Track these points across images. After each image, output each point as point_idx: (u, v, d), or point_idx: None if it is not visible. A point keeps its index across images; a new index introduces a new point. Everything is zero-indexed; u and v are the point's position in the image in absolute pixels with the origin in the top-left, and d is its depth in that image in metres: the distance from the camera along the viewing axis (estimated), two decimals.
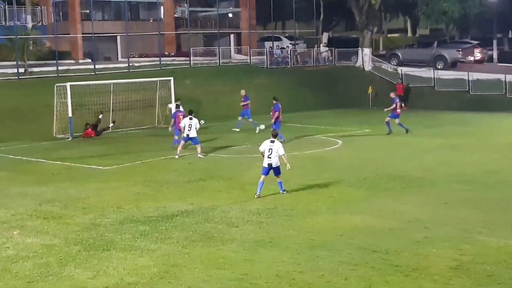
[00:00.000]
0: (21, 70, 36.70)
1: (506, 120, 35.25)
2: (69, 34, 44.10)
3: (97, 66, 39.48)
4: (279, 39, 53.47)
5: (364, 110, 40.84)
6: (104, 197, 17.74)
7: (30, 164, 23.91)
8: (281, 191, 17.64)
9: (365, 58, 47.68)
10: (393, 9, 67.72)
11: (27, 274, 11.62)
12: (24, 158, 25.04)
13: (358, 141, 28.08)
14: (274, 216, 15.40)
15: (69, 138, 30.06)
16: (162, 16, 48.51)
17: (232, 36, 52.40)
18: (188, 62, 43.66)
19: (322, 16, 60.93)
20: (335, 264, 11.88)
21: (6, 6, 42.51)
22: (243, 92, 32.20)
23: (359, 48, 48.33)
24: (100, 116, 31.51)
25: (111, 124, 31.87)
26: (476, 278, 11.13)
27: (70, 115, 30.24)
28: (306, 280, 11.13)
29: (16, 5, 40.84)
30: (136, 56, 45.01)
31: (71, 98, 30.21)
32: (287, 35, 55.95)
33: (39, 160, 24.49)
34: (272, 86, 40.85)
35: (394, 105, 29.53)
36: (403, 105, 40.98)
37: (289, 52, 48.88)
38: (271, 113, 27.76)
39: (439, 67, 45.74)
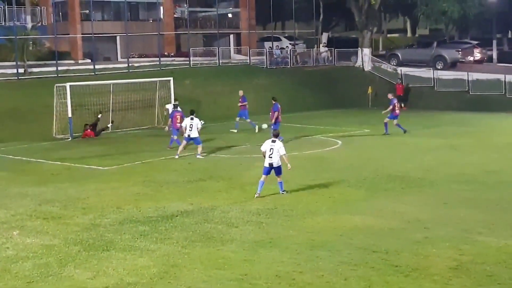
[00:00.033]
0: (21, 70, 36.72)
1: (506, 120, 35.26)
2: (68, 34, 44.12)
3: (96, 67, 39.51)
4: (278, 39, 53.49)
5: (363, 110, 40.84)
6: (103, 198, 17.74)
7: (30, 164, 23.90)
8: (281, 191, 17.64)
9: (364, 58, 47.69)
10: (393, 9, 67.72)
11: (26, 275, 11.61)
12: (24, 158, 25.03)
13: (358, 141, 28.09)
14: (274, 217, 15.39)
15: (69, 138, 30.07)
16: (161, 16, 48.54)
17: (231, 36, 52.43)
18: (188, 62, 43.67)
19: (321, 16, 60.92)
20: (335, 264, 11.88)
21: (6, 7, 42.51)
22: (241, 92, 32.23)
23: (359, 48, 48.34)
24: (99, 116, 31.51)
25: (109, 124, 31.89)
26: (476, 278, 11.13)
27: (69, 115, 30.25)
28: (306, 280, 11.12)
29: (16, 5, 40.84)
30: (136, 57, 45.02)
31: (71, 98, 30.21)
32: (286, 35, 55.95)
33: (38, 160, 24.49)
34: (271, 87, 40.86)
35: (391, 107, 29.53)
36: (402, 105, 41.08)
37: (288, 52, 48.90)
38: (270, 113, 27.77)
39: (439, 67, 45.75)
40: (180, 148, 24.06)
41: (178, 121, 25.74)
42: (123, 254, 12.68)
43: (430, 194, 17.70)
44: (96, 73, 38.46)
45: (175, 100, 30.57)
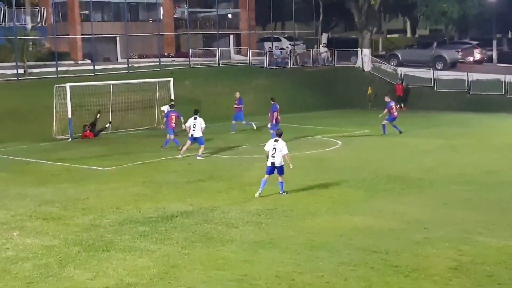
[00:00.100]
0: (21, 71, 36.72)
1: (506, 121, 35.25)
2: (68, 35, 44.13)
3: (96, 67, 39.52)
4: (278, 39, 53.52)
5: (363, 111, 40.82)
6: (103, 198, 17.74)
7: (30, 165, 23.89)
8: (281, 192, 17.64)
9: (364, 58, 47.67)
10: (393, 10, 67.72)
11: (26, 275, 11.61)
12: (23, 159, 25.02)
13: (358, 142, 28.09)
14: (274, 217, 15.39)
15: (69, 139, 30.06)
16: (161, 17, 48.55)
17: (231, 36, 52.46)
18: (188, 62, 43.69)
19: (321, 16, 60.91)
20: (334, 264, 11.88)
21: (6, 7, 42.52)
22: (238, 94, 32.28)
23: (359, 49, 48.32)
24: (98, 116, 31.52)
25: (107, 125, 31.89)
26: (476, 279, 11.13)
27: (69, 116, 30.23)
28: (306, 280, 11.13)
29: (16, 6, 40.83)
30: (136, 57, 45.05)
31: (71, 99, 30.19)
32: (286, 35, 55.98)
33: (38, 161, 24.48)
34: (271, 87, 40.87)
35: (386, 110, 29.56)
36: (402, 105, 41.17)
37: (288, 53, 48.92)
38: (269, 114, 27.77)
39: (439, 67, 45.75)
40: (184, 148, 24.04)
41: (173, 121, 25.77)
42: (123, 254, 12.69)
43: (430, 195, 17.70)
44: (96, 73, 38.47)
45: (171, 100, 30.57)
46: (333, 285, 10.95)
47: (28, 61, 37.45)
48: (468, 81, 42.85)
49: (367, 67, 47.70)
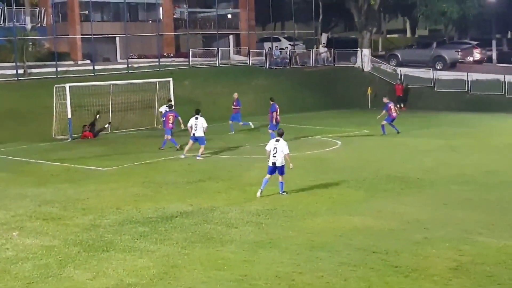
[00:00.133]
0: (20, 71, 36.72)
1: (506, 121, 35.25)
2: (68, 35, 44.11)
3: (96, 67, 39.53)
4: (278, 40, 53.55)
5: (363, 111, 40.83)
6: (103, 198, 17.73)
7: (30, 165, 23.89)
8: (281, 192, 17.64)
9: (364, 58, 47.69)
10: (392, 10, 67.76)
11: (26, 275, 11.61)
12: (23, 159, 25.02)
13: (357, 142, 28.09)
14: (274, 217, 15.39)
15: (68, 139, 30.06)
16: (161, 17, 48.53)
17: (231, 37, 52.46)
18: (187, 63, 43.70)
19: (321, 16, 60.97)
20: (334, 265, 11.88)
21: (5, 7, 42.52)
22: (235, 95, 32.30)
23: (358, 49, 48.34)
24: (97, 116, 31.51)
25: (106, 125, 31.89)
26: (476, 279, 11.13)
27: (69, 116, 30.23)
28: (306, 281, 11.12)
29: (15, 6, 40.83)
30: (135, 57, 45.03)
31: (70, 99, 30.20)
32: (286, 36, 55.98)
33: (38, 161, 24.48)
34: (271, 87, 40.87)
35: (384, 111, 29.58)
36: (402, 105, 41.19)
37: (288, 53, 48.92)
38: (269, 114, 27.77)
39: (438, 67, 45.78)
40: (187, 147, 24.02)
41: (171, 121, 25.78)
42: (122, 255, 12.68)
43: (429, 195, 17.70)
44: (96, 74, 38.47)
45: (169, 100, 30.58)
46: (333, 285, 10.95)
47: (27, 62, 37.45)
48: (467, 81, 42.89)
49: (367, 67, 47.72)
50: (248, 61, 46.67)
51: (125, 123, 33.48)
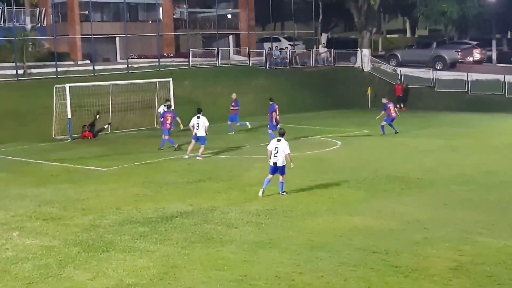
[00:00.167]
0: (20, 71, 36.73)
1: (506, 121, 35.25)
2: (68, 35, 44.12)
3: (96, 67, 39.54)
4: (278, 40, 53.56)
5: (363, 111, 40.83)
6: (103, 198, 17.73)
7: (29, 165, 23.89)
8: (281, 192, 17.64)
9: (364, 59, 47.69)
10: (392, 10, 67.75)
11: (26, 276, 11.61)
12: (23, 159, 25.02)
13: (357, 142, 28.09)
14: (274, 217, 15.39)
15: (68, 139, 30.07)
16: (161, 17, 48.54)
17: (231, 37, 52.46)
18: (187, 63, 43.71)
19: (321, 17, 60.96)
20: (334, 265, 11.87)
21: (5, 8, 42.52)
22: (234, 96, 32.29)
23: (358, 49, 48.34)
24: (97, 117, 31.51)
25: (106, 126, 31.88)
26: (475, 279, 11.12)
27: (69, 116, 30.24)
28: (306, 281, 11.12)
29: (15, 6, 40.83)
30: (135, 57, 45.03)
31: (70, 99, 30.20)
32: (286, 36, 55.98)
33: (38, 161, 24.48)
34: (271, 87, 40.88)
35: (383, 112, 29.61)
36: (402, 105, 41.20)
37: (288, 53, 48.93)
38: (269, 114, 27.78)
39: (438, 67, 45.79)
40: (190, 147, 24.02)
41: (169, 121, 25.80)
42: (122, 255, 12.68)
43: (429, 195, 17.70)
44: (96, 74, 38.49)
45: (166, 100, 30.59)
46: (333, 286, 10.94)
47: (27, 62, 37.47)
48: (467, 81, 42.89)
49: (367, 67, 47.72)
50: (248, 61, 46.69)
51: (125, 123, 33.48)
